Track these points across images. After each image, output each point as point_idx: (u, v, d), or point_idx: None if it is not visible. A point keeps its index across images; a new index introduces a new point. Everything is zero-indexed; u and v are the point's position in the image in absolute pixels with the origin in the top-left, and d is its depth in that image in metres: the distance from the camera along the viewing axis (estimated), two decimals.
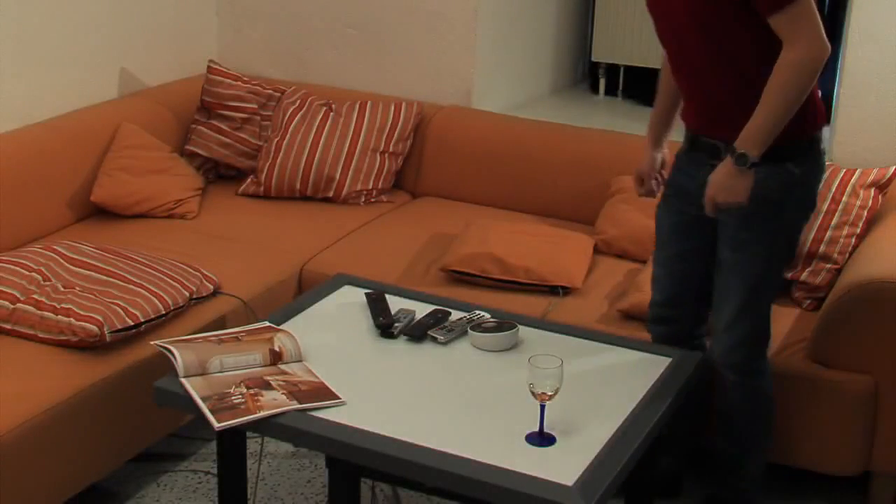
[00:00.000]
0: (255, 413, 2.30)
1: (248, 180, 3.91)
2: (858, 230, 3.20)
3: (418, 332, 2.66)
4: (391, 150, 3.91)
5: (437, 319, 2.71)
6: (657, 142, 2.82)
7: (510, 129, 3.89)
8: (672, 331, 2.82)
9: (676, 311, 2.82)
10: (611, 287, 3.25)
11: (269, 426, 2.31)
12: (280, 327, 2.65)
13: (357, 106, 3.95)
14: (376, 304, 2.77)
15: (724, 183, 2.48)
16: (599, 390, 2.46)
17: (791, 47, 2.39)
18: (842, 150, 3.57)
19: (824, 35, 2.41)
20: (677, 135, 2.81)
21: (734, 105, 2.50)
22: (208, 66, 4.05)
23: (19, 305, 2.81)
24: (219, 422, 2.27)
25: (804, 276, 3.18)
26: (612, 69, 4.59)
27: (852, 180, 3.24)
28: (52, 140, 3.57)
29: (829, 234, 3.18)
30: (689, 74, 2.58)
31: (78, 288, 2.89)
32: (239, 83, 4.03)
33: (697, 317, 2.82)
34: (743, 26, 2.43)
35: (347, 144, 3.86)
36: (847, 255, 3.17)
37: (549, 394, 2.22)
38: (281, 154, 3.86)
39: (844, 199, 3.21)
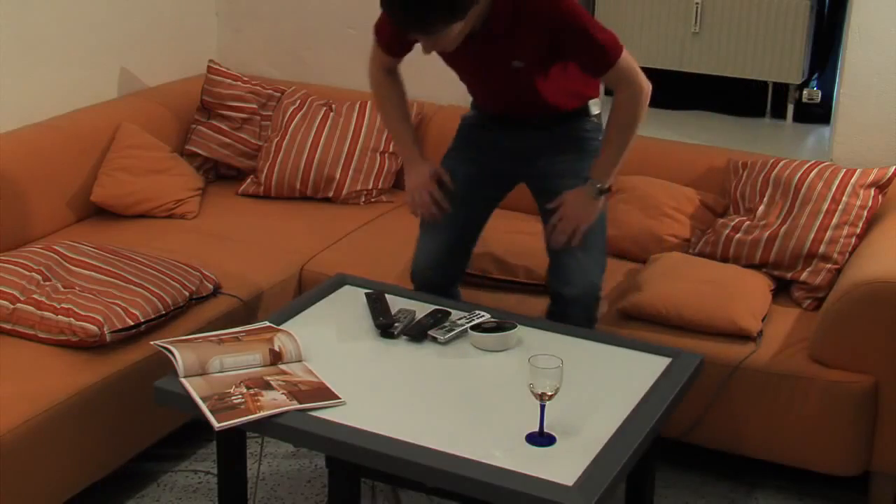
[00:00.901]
0: (255, 413, 2.30)
1: (248, 180, 3.91)
2: (858, 230, 3.19)
3: (418, 332, 2.66)
4: (391, 150, 3.91)
5: (437, 319, 2.71)
6: (420, 154, 3.00)
7: None
8: (439, 282, 2.95)
9: (452, 259, 3.00)
10: (611, 287, 3.25)
11: (269, 426, 2.31)
12: (280, 327, 2.65)
13: (357, 106, 3.95)
14: (376, 304, 2.77)
15: (584, 210, 2.81)
16: (599, 390, 2.46)
17: (626, 90, 2.75)
18: (842, 150, 3.57)
19: (641, 72, 2.76)
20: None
21: (539, 106, 2.86)
22: (208, 66, 4.05)
23: (19, 305, 2.81)
24: (219, 422, 2.27)
25: (804, 276, 3.18)
26: None
27: (852, 180, 3.24)
28: (52, 140, 3.57)
29: (829, 234, 3.18)
30: (502, 95, 2.88)
31: (78, 288, 2.89)
32: (239, 83, 4.03)
33: (462, 267, 3.06)
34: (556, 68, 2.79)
35: (347, 144, 3.86)
36: (847, 255, 3.17)
37: (549, 394, 2.22)
38: (281, 154, 3.86)
39: (844, 199, 3.21)
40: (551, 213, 2.85)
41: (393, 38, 2.85)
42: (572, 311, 2.83)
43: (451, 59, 2.82)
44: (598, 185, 2.79)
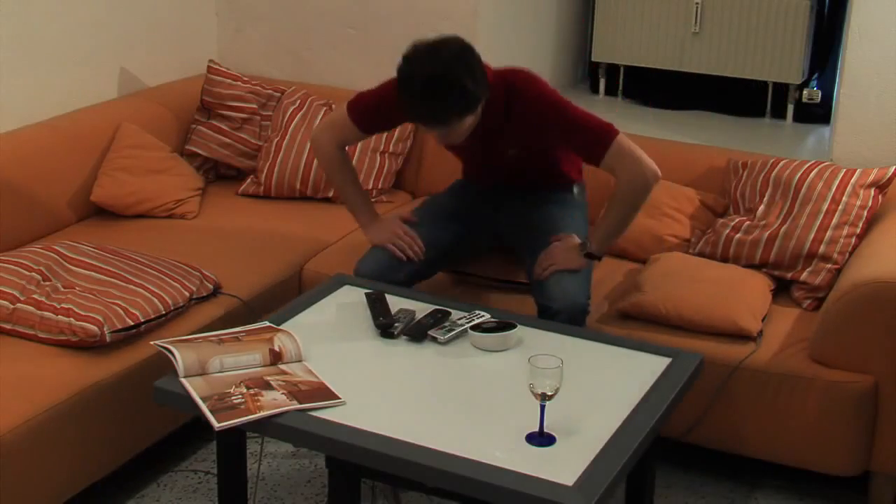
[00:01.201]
0: (255, 413, 2.30)
1: (248, 180, 3.91)
2: (858, 230, 3.19)
3: (418, 332, 2.66)
4: (391, 150, 3.91)
5: (437, 319, 2.71)
6: (376, 213, 3.23)
7: None
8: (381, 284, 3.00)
9: (400, 271, 3.06)
10: (611, 287, 3.25)
11: (269, 426, 2.31)
12: (280, 327, 2.65)
13: None
14: (376, 304, 2.77)
15: (567, 257, 2.94)
16: (599, 390, 2.46)
17: (625, 174, 2.87)
18: (842, 149, 3.57)
19: (648, 159, 2.88)
20: None
21: (527, 183, 3.13)
22: (208, 66, 4.05)
23: (19, 305, 2.81)
24: (219, 422, 2.27)
25: (804, 276, 3.18)
26: (612, 69, 4.59)
27: (852, 180, 3.24)
28: (52, 140, 3.57)
29: (828, 234, 3.18)
30: (495, 174, 3.15)
31: (78, 288, 2.89)
32: (239, 83, 4.03)
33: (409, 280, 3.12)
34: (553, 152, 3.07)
35: None
36: (847, 255, 3.16)
37: (549, 394, 2.22)
38: (281, 154, 3.86)
39: (844, 199, 3.21)
40: (533, 253, 2.99)
41: (378, 120, 3.08)
42: (560, 321, 2.85)
43: (451, 147, 3.06)
44: (588, 249, 2.95)
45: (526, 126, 2.91)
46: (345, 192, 3.22)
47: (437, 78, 2.70)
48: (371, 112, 3.06)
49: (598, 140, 2.87)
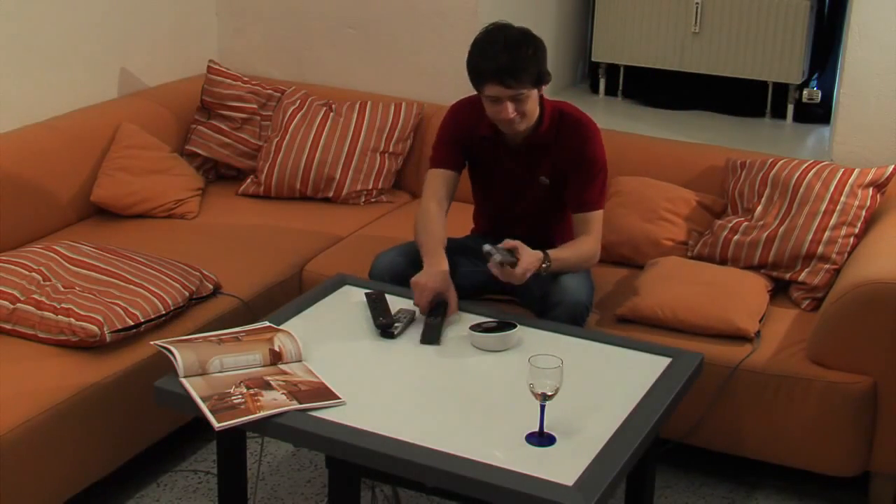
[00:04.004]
0: (255, 413, 2.30)
1: (248, 180, 3.91)
2: (857, 230, 3.19)
3: (432, 336, 2.65)
4: (391, 150, 3.91)
5: (438, 314, 2.71)
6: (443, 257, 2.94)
7: None
8: (397, 282, 2.96)
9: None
10: (608, 292, 3.24)
11: (269, 426, 2.31)
12: (280, 327, 2.65)
13: (357, 106, 3.96)
14: (376, 304, 2.77)
15: (530, 262, 2.78)
16: (599, 390, 2.46)
17: (585, 236, 2.98)
18: (841, 149, 3.57)
19: (599, 243, 3.01)
20: None
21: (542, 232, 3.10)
22: (208, 66, 4.05)
23: (19, 305, 2.81)
24: (219, 422, 2.27)
25: (803, 276, 3.18)
26: (612, 69, 4.59)
27: (850, 180, 3.24)
28: (52, 140, 3.57)
29: (827, 234, 3.18)
30: (521, 219, 3.12)
31: (78, 288, 2.89)
32: (239, 83, 4.03)
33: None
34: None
35: (347, 144, 3.87)
36: (846, 255, 3.16)
37: (549, 394, 2.22)
38: (281, 154, 3.86)
39: (843, 199, 3.21)
40: (541, 283, 2.91)
41: (450, 150, 3.08)
42: (558, 315, 2.85)
43: (488, 169, 3.09)
44: (546, 265, 2.84)
45: (568, 142, 2.98)
46: (423, 243, 2.95)
47: (519, 37, 2.88)
48: (444, 145, 3.10)
49: (592, 200, 2.99)
